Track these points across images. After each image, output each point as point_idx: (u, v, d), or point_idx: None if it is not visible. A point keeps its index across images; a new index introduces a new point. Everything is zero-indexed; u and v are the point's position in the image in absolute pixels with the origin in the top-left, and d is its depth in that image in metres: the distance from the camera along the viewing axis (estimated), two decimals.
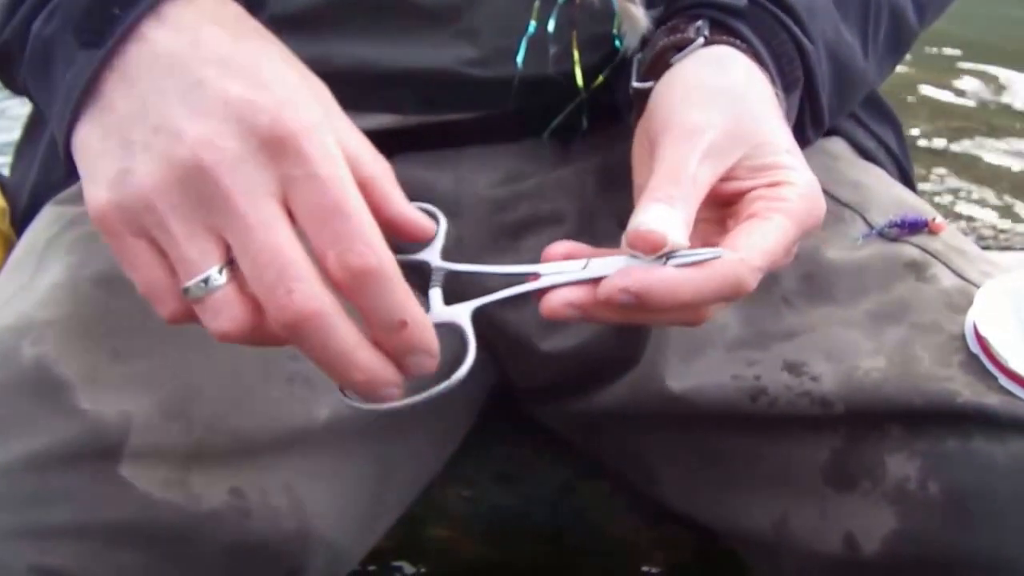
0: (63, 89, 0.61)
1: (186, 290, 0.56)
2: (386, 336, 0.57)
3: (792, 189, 0.66)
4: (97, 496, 0.67)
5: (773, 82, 0.72)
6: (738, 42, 0.73)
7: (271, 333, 0.56)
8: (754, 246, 0.62)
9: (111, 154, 0.58)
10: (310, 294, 0.54)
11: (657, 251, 0.60)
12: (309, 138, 0.55)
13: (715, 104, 0.68)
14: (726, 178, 0.67)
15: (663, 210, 0.62)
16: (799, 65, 0.75)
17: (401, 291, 0.56)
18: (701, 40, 0.72)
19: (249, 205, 0.54)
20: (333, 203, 0.54)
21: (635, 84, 0.75)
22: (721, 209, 0.68)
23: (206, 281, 0.56)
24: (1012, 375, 0.72)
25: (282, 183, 0.55)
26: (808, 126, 0.79)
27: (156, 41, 0.59)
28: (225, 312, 0.56)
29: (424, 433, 0.89)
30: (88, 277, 0.75)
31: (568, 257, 0.64)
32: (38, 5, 0.64)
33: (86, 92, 0.60)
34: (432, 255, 0.64)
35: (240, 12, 0.62)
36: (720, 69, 0.71)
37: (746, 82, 0.71)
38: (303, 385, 0.77)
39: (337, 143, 0.56)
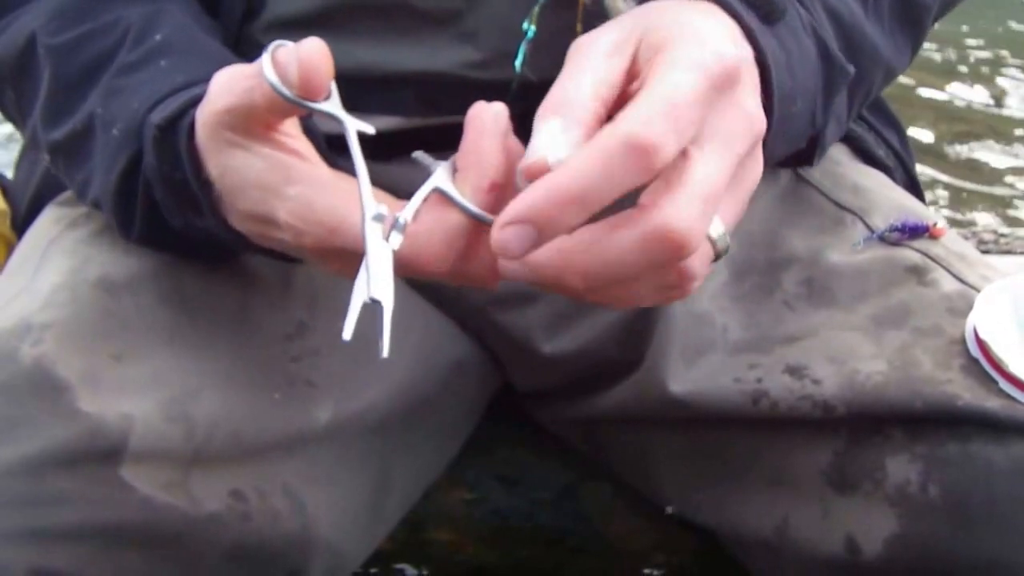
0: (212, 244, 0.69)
1: None
2: None
3: (676, 50, 0.57)
4: (97, 498, 0.67)
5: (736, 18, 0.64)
6: None
7: None
8: (640, 117, 0.53)
9: None
10: None
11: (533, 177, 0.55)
12: None
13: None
14: (632, 77, 0.59)
15: (552, 127, 0.56)
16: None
17: None
18: None
19: None
20: None
21: None
22: None
23: None
24: (1012, 379, 0.72)
25: None
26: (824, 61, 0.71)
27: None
28: None
29: (426, 435, 0.89)
30: (88, 279, 0.75)
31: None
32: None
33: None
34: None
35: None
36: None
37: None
38: (304, 387, 0.77)
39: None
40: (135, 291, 0.75)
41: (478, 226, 0.58)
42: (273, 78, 0.56)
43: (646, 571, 0.97)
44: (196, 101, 0.65)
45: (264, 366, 0.76)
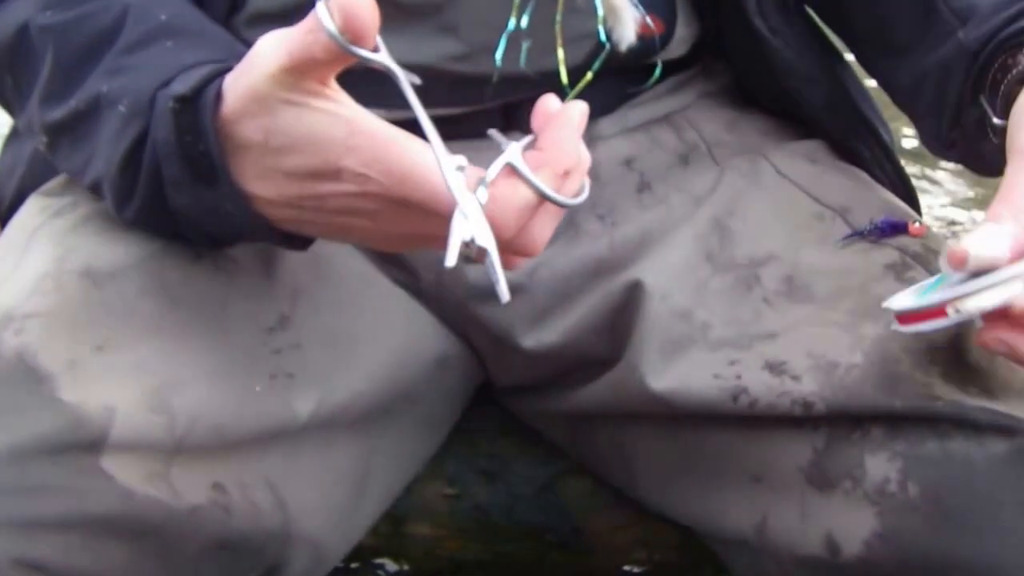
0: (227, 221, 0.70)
1: None
2: None
3: None
4: (80, 489, 0.67)
5: None
6: None
7: None
8: None
9: None
10: None
11: (958, 266, 0.65)
12: None
13: None
14: None
15: (988, 229, 0.65)
16: None
17: None
18: None
19: None
20: None
21: (995, 121, 0.77)
22: None
23: None
24: (901, 317, 0.73)
25: None
26: None
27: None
28: None
29: (407, 430, 0.90)
30: (72, 268, 0.75)
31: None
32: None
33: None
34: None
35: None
36: None
37: None
38: (285, 380, 0.77)
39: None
40: (119, 281, 0.75)
41: (540, 203, 0.63)
42: (333, 28, 0.59)
43: (627, 567, 0.97)
44: (219, 74, 0.67)
45: (245, 359, 0.76)
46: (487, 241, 0.61)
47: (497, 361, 0.94)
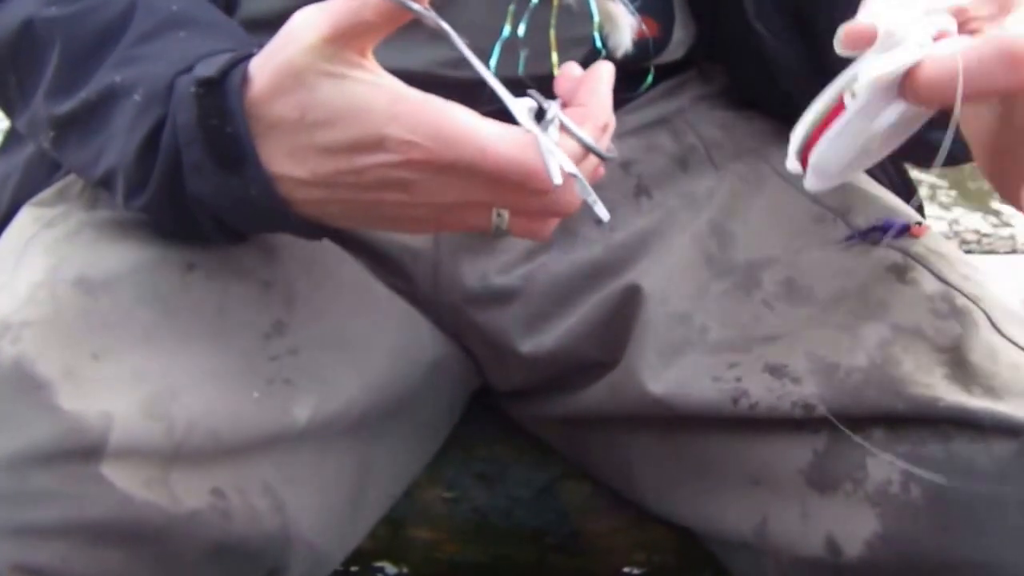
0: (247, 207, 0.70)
1: None
2: None
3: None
4: (78, 495, 0.66)
5: None
6: None
7: None
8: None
9: None
10: None
11: (851, 43, 0.61)
12: None
13: None
14: None
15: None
16: None
17: None
18: None
19: None
20: None
21: None
22: None
23: None
24: (804, 153, 0.68)
25: None
26: None
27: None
28: None
29: (405, 434, 0.89)
30: (66, 278, 0.75)
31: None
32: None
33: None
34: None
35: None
36: None
37: None
38: (283, 386, 0.77)
39: None
40: (113, 290, 0.75)
41: (584, 156, 0.66)
42: None
43: (626, 570, 0.97)
44: (242, 59, 0.68)
45: (243, 365, 0.76)
46: (571, 168, 0.62)
47: (494, 366, 0.94)
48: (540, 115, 0.66)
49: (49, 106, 0.76)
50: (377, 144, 0.64)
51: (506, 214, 0.68)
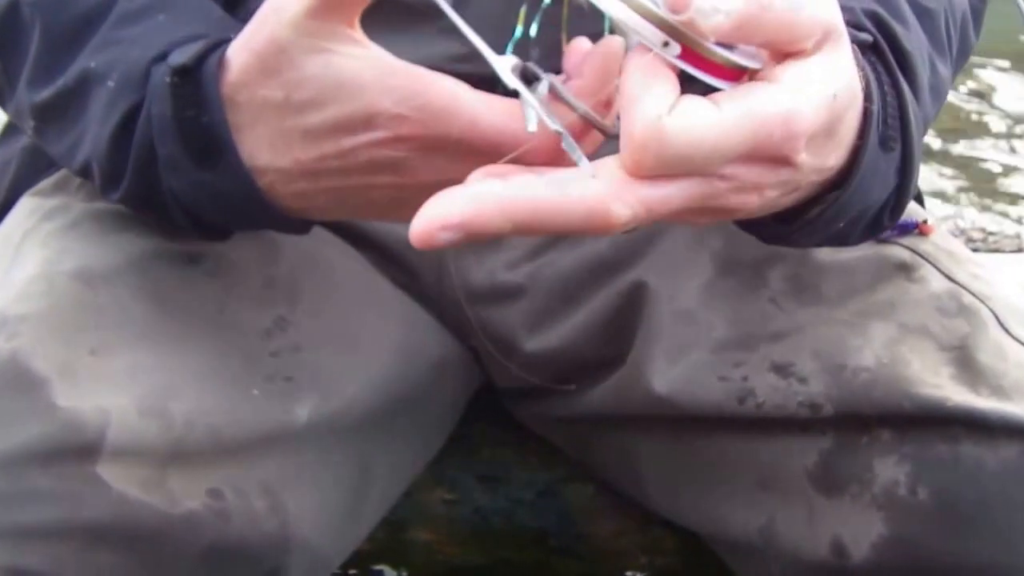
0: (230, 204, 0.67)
1: None
2: None
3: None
4: (74, 496, 0.66)
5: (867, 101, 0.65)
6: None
7: None
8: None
9: None
10: None
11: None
12: None
13: None
14: None
15: None
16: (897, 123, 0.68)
17: None
18: None
19: None
20: None
21: None
22: None
23: None
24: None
25: None
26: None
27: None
28: None
29: (406, 434, 0.89)
30: (65, 271, 0.74)
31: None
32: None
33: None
34: None
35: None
36: None
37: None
38: (284, 383, 0.76)
39: None
40: (112, 283, 0.74)
41: (586, 129, 0.63)
42: None
43: (629, 572, 0.97)
44: (218, 44, 0.65)
45: (243, 362, 0.76)
46: (557, 125, 0.60)
47: (499, 364, 0.93)
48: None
49: (30, 94, 0.74)
50: (366, 122, 0.62)
51: None
